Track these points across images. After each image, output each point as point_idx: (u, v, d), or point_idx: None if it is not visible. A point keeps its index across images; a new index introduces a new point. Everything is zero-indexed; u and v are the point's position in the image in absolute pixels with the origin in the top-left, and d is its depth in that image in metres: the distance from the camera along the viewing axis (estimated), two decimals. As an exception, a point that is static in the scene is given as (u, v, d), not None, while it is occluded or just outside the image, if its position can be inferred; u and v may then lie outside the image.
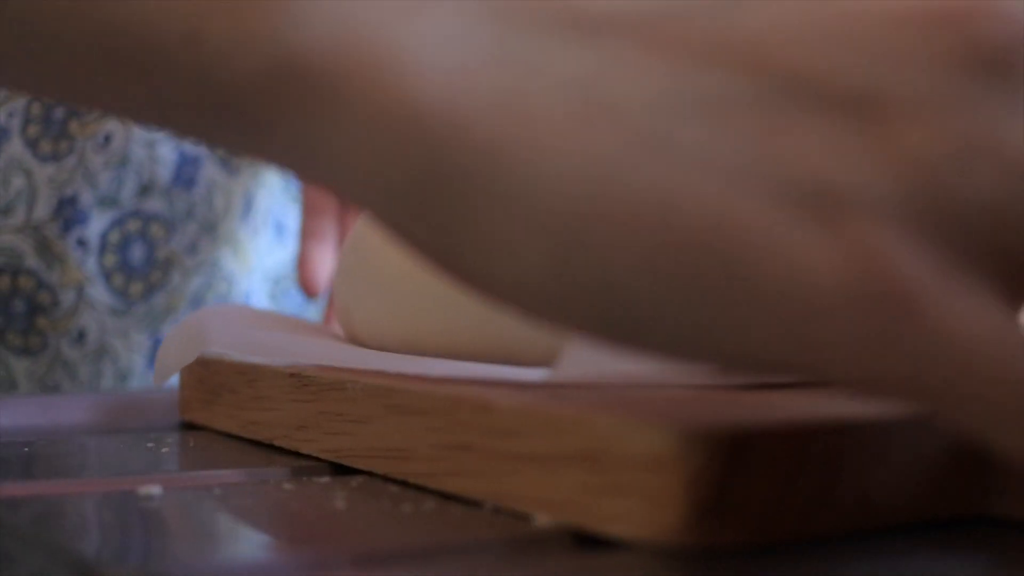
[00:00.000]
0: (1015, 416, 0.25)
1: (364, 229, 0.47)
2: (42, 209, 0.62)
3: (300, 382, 0.42)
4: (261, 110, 0.27)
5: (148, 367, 0.65)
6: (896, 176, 0.25)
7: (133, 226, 0.64)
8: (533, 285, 0.26)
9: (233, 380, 0.46)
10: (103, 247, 0.63)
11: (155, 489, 0.37)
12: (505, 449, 0.34)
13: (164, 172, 0.65)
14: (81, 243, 0.63)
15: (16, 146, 0.62)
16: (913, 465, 0.33)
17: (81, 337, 0.63)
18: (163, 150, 0.64)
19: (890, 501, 0.32)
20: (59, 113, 0.62)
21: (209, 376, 0.47)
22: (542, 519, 0.33)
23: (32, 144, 0.62)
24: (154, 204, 0.65)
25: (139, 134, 0.63)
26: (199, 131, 0.29)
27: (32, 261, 0.62)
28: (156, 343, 0.65)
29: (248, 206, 0.68)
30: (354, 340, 0.47)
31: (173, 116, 0.29)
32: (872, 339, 0.25)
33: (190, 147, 0.65)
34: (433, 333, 0.44)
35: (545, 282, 0.25)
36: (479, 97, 0.25)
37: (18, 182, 0.62)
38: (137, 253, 0.64)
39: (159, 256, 0.65)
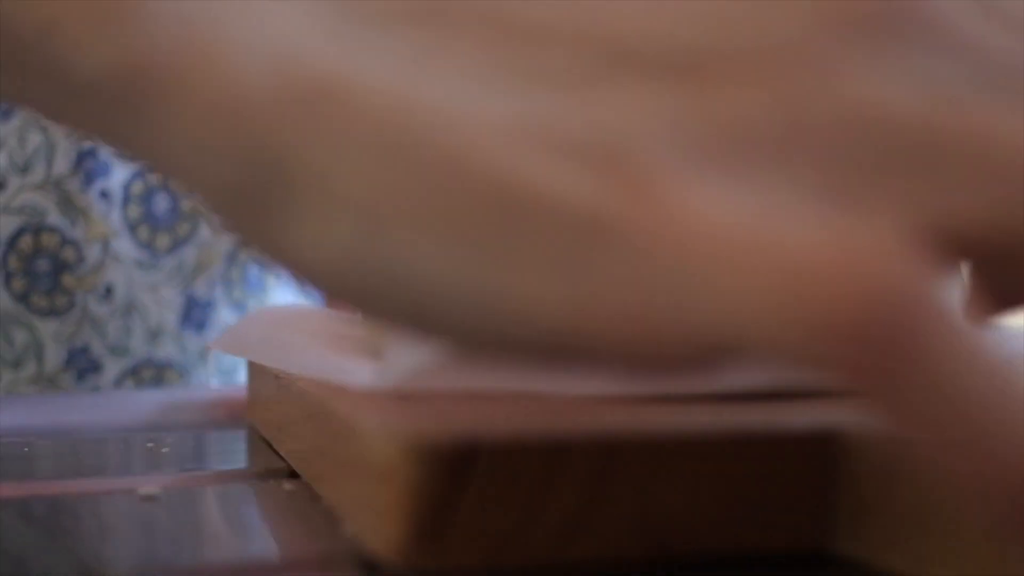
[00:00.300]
0: (765, 303, 0.24)
1: None
2: (62, 163, 0.62)
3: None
4: (112, 105, 0.28)
5: (181, 325, 0.64)
6: (696, 120, 0.25)
7: (156, 176, 0.63)
8: (343, 269, 0.26)
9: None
10: (127, 198, 0.63)
11: (155, 489, 0.37)
12: (334, 455, 0.33)
13: None
14: (104, 195, 0.62)
15: None
16: (708, 489, 0.29)
17: (109, 293, 0.63)
18: None
19: (679, 527, 0.29)
20: None
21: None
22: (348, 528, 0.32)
23: None
24: None
25: None
26: (62, 119, 0.30)
27: (55, 217, 0.62)
28: (189, 300, 0.64)
29: None
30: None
31: (36, 103, 0.30)
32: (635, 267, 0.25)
33: None
34: None
35: (353, 266, 0.26)
36: (297, 86, 0.26)
37: (36, 138, 0.62)
38: (162, 204, 0.63)
39: (185, 207, 0.64)
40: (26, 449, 0.44)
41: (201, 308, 0.65)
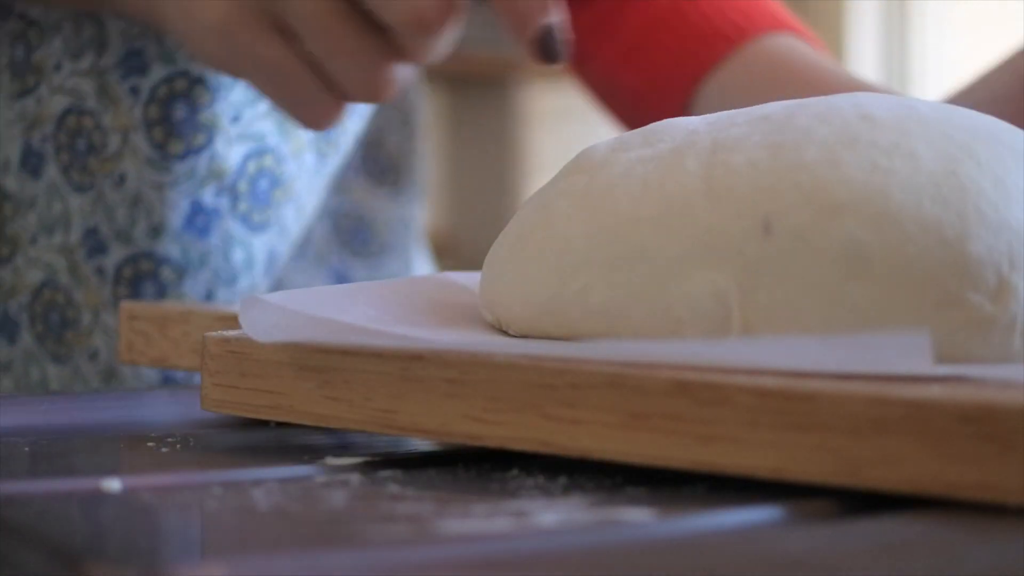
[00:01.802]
0: None
1: (527, 205, 0.47)
2: (110, 57, 0.66)
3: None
4: None
5: (184, 228, 0.67)
6: None
7: (180, 85, 0.66)
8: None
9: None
10: (152, 98, 0.66)
11: (155, 488, 0.37)
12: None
13: None
14: (134, 91, 0.66)
15: None
16: None
17: (121, 181, 0.66)
18: None
19: None
20: None
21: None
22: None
23: None
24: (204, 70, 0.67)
25: None
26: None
27: (92, 102, 0.66)
28: (194, 205, 0.67)
29: None
30: (499, 324, 0.47)
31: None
32: None
33: None
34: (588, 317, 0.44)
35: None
36: None
37: (90, 31, 0.66)
38: (180, 112, 0.66)
39: (201, 119, 0.66)
40: (26, 449, 0.44)
41: (206, 215, 0.67)
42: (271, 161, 0.68)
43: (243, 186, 0.67)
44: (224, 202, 0.67)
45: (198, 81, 0.66)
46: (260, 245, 0.69)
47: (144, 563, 0.30)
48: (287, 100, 0.57)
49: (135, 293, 0.66)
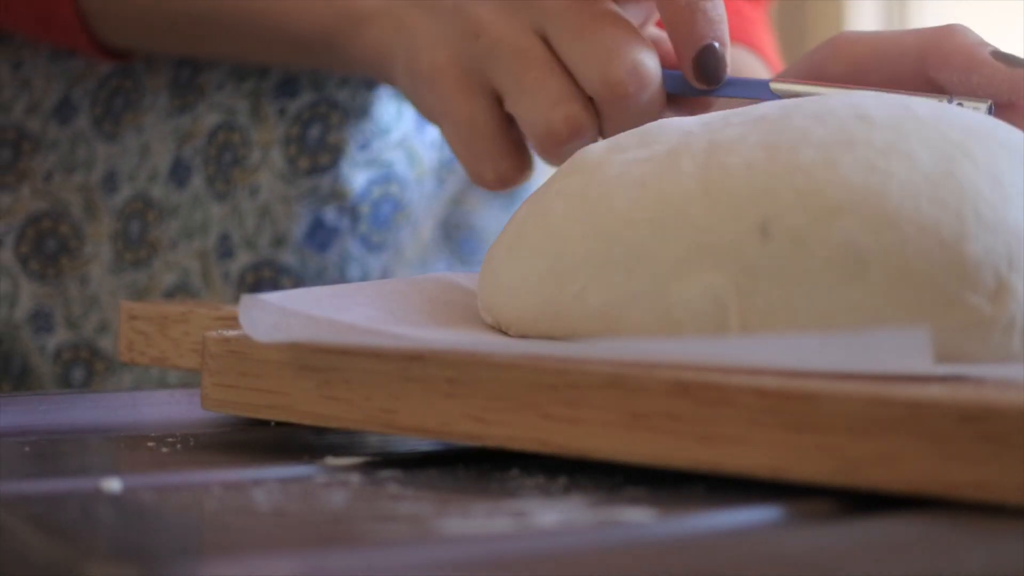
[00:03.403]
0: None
1: (524, 207, 0.47)
2: (270, 81, 0.70)
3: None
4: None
5: (304, 241, 0.70)
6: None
7: (321, 109, 0.70)
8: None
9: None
10: (294, 119, 0.70)
11: (155, 488, 0.37)
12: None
13: None
14: (282, 112, 0.70)
15: None
16: None
17: (255, 193, 0.70)
18: None
19: None
20: None
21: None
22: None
23: None
24: None
25: None
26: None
27: (244, 118, 0.70)
28: (316, 221, 0.70)
29: None
30: (499, 326, 0.47)
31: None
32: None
33: None
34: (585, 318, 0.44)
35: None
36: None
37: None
38: (314, 132, 0.70)
39: (330, 141, 0.70)
40: (26, 449, 0.44)
41: (325, 232, 0.70)
42: (396, 188, 0.71)
43: (365, 209, 0.70)
44: (345, 222, 0.70)
45: (335, 106, 0.69)
46: (376, 264, 0.71)
47: (144, 563, 0.30)
48: (469, 155, 0.58)
49: None
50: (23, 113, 0.72)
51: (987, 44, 0.53)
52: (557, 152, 0.56)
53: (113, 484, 0.37)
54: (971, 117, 0.44)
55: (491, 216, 0.81)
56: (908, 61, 0.53)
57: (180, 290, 0.70)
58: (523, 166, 0.59)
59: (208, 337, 0.46)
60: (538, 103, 0.55)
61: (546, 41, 0.56)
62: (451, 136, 0.59)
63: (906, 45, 0.54)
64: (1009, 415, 0.33)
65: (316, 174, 0.69)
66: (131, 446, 0.45)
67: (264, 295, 0.44)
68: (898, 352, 0.36)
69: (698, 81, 0.55)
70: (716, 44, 0.54)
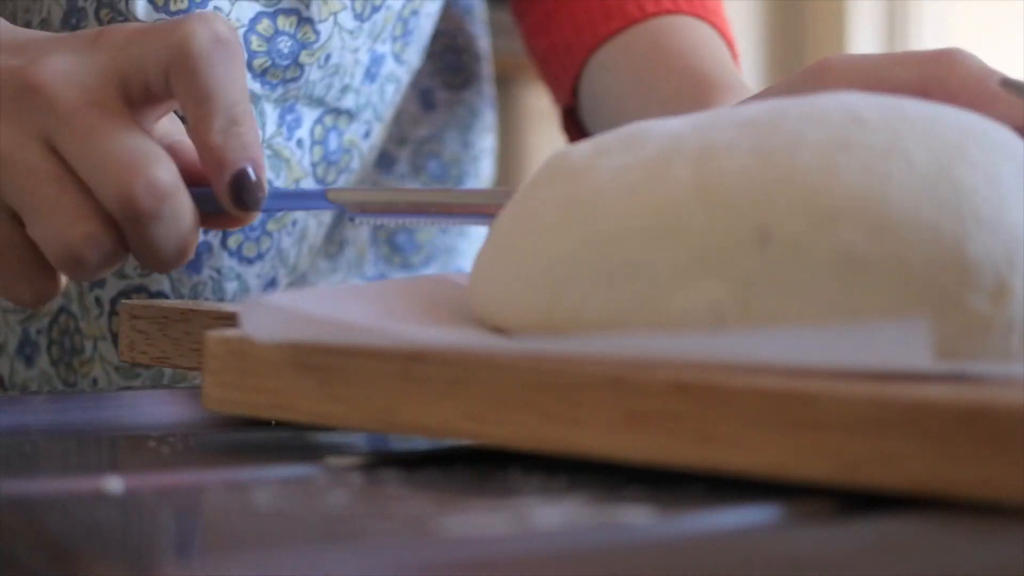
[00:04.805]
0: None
1: (508, 213, 0.47)
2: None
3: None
4: None
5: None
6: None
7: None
8: None
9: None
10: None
11: (155, 488, 0.37)
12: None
13: None
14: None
15: None
16: None
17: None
18: None
19: None
20: None
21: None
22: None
23: None
24: None
25: None
26: None
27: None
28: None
29: None
30: (484, 321, 0.47)
31: None
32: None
33: None
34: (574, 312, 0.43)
35: None
36: None
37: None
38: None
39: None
40: (27, 448, 0.44)
41: (195, 250, 0.66)
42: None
43: None
44: (214, 237, 0.66)
45: None
46: (253, 275, 0.68)
47: (144, 563, 0.30)
48: (1, 279, 0.54)
49: None
50: None
51: (992, 72, 0.51)
52: (83, 273, 0.52)
53: (114, 484, 0.37)
54: (964, 117, 0.44)
55: None
56: (907, 90, 0.51)
57: (63, 313, 0.67)
58: (59, 280, 0.55)
59: (209, 337, 0.46)
60: (55, 223, 0.51)
61: (57, 154, 0.51)
62: None
63: (904, 77, 0.52)
64: (1009, 415, 0.33)
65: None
66: (132, 446, 0.46)
67: (265, 295, 0.44)
68: (898, 346, 0.36)
69: (236, 208, 0.53)
70: (250, 169, 0.52)
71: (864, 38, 3.35)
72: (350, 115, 0.70)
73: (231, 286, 0.67)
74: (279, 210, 0.54)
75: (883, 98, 0.45)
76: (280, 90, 0.67)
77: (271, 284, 0.69)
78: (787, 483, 0.36)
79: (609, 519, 0.34)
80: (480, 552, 0.32)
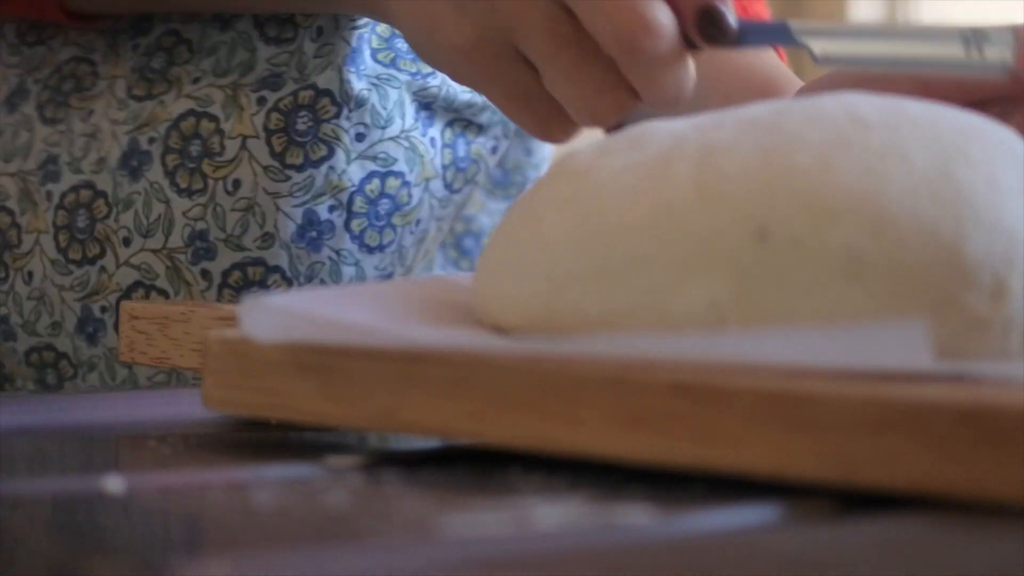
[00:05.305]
0: None
1: (513, 212, 0.47)
2: (252, 76, 0.68)
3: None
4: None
5: (295, 238, 0.68)
6: None
7: (305, 96, 0.68)
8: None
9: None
10: (273, 108, 0.68)
11: (156, 488, 0.37)
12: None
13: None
14: (261, 101, 0.68)
15: None
16: None
17: (235, 187, 0.68)
18: None
19: None
20: None
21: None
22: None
23: None
24: None
25: None
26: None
27: (217, 108, 0.68)
28: (307, 217, 0.68)
29: None
30: (489, 320, 0.47)
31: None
32: None
33: None
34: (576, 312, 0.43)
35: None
36: None
37: (243, 55, 0.69)
38: (302, 124, 0.68)
39: (323, 132, 0.68)
40: (27, 448, 0.44)
41: (317, 227, 0.68)
42: (395, 184, 0.69)
43: (360, 205, 0.68)
44: (338, 217, 0.68)
45: (324, 93, 0.67)
46: (372, 265, 0.69)
47: (144, 563, 0.30)
48: (527, 119, 0.58)
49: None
50: None
51: None
52: (599, 126, 0.56)
53: (114, 484, 0.37)
54: (963, 117, 0.44)
55: (495, 213, 0.80)
56: None
57: (142, 289, 0.67)
58: (573, 123, 0.59)
59: (209, 337, 0.46)
60: (582, 91, 0.55)
61: (566, 8, 0.55)
62: (506, 105, 0.59)
63: None
64: (1008, 415, 0.33)
65: (309, 167, 0.67)
66: (132, 445, 0.46)
67: (265, 296, 0.45)
68: (897, 346, 0.36)
69: (705, 42, 0.54)
70: (717, 5, 0.54)
71: (864, 37, 3.35)
72: (479, 128, 0.72)
73: (348, 271, 0.69)
74: (747, 46, 0.54)
75: (883, 98, 0.45)
76: (420, 82, 0.69)
77: (387, 279, 0.70)
78: (787, 483, 0.36)
79: (609, 519, 0.34)
80: (480, 552, 0.32)
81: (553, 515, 0.35)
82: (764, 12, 0.81)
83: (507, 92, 0.58)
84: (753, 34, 0.55)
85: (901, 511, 0.34)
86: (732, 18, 0.54)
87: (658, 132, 0.46)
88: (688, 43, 0.54)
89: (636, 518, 0.34)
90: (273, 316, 0.43)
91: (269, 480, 0.39)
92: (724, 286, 0.41)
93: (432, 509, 0.35)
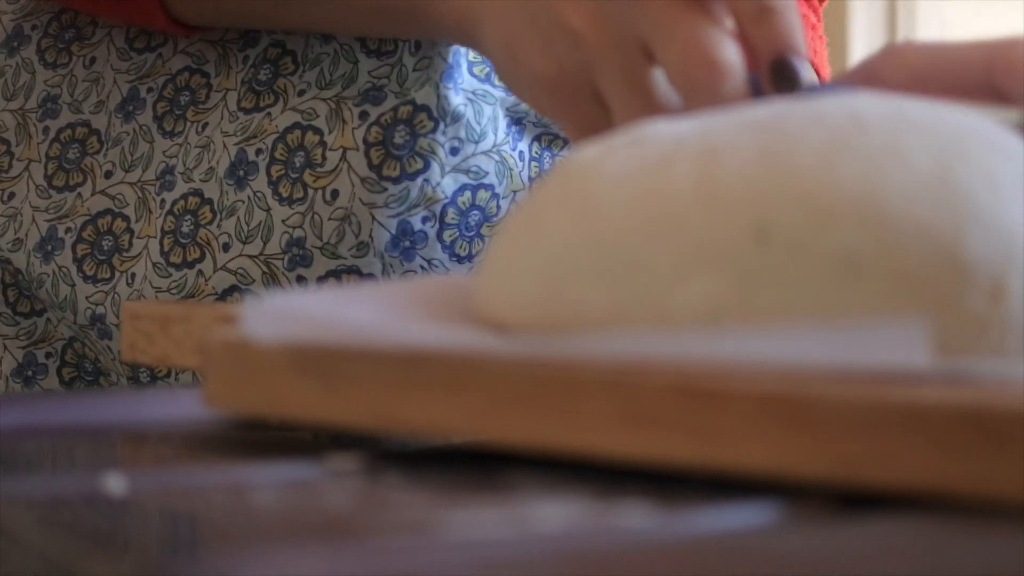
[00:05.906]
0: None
1: (515, 212, 0.47)
2: (355, 89, 0.70)
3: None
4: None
5: (389, 248, 0.69)
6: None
7: (403, 111, 0.70)
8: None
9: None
10: (374, 122, 0.70)
11: (156, 487, 0.37)
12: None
13: None
14: (363, 115, 0.70)
15: None
16: None
17: (334, 197, 0.69)
18: None
19: None
20: None
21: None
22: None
23: None
24: None
25: None
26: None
27: (321, 121, 0.70)
28: (403, 227, 0.69)
29: None
30: (488, 319, 0.47)
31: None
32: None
33: None
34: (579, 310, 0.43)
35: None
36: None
37: (345, 67, 0.71)
38: (400, 136, 0.70)
39: (419, 146, 0.69)
40: (27, 448, 0.44)
41: (411, 237, 0.70)
42: (486, 197, 0.71)
43: (452, 216, 0.70)
44: (431, 228, 0.69)
45: (422, 109, 0.68)
46: (461, 274, 0.71)
47: (144, 563, 0.30)
48: None
49: None
50: (92, 109, 0.72)
51: None
52: None
53: (115, 483, 0.37)
54: (964, 118, 0.44)
55: None
56: (973, 70, 0.53)
57: (238, 293, 0.69)
58: None
59: (210, 337, 0.46)
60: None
61: (641, 42, 0.56)
62: (574, 138, 0.61)
63: (971, 55, 0.54)
64: (1007, 415, 0.33)
65: (405, 179, 0.68)
66: (133, 445, 0.46)
67: (267, 296, 0.45)
68: (896, 346, 0.36)
69: (777, 92, 0.55)
70: (787, 57, 0.55)
71: (864, 37, 3.36)
72: (565, 142, 0.74)
73: None
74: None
75: (884, 99, 0.45)
76: (512, 98, 0.71)
77: None
78: (787, 483, 0.36)
79: (609, 519, 0.34)
80: (480, 552, 0.32)
81: (553, 515, 0.35)
82: (822, 48, 0.82)
83: (578, 126, 0.59)
84: (820, 92, 0.55)
85: (901, 511, 0.34)
86: (805, 72, 0.54)
87: (661, 132, 0.46)
88: (755, 88, 0.55)
89: (636, 518, 0.34)
90: (274, 316, 0.44)
91: (269, 480, 0.39)
92: (724, 286, 0.41)
93: (432, 509, 0.35)
